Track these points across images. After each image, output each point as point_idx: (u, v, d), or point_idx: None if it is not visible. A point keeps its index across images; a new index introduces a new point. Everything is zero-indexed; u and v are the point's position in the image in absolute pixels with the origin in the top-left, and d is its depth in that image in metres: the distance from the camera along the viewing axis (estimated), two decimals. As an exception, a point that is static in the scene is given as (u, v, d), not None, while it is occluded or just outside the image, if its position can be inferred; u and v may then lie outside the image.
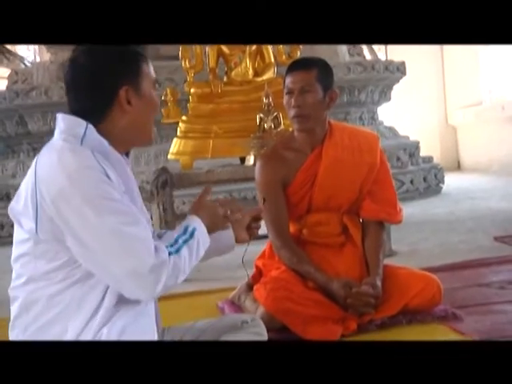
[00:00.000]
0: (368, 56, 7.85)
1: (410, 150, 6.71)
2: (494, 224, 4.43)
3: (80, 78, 1.45)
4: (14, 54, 8.98)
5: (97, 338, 1.37)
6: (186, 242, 1.44)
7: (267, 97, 3.56)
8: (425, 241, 4.06)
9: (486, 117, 9.05)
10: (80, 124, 1.43)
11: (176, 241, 1.43)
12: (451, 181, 7.34)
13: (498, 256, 3.29)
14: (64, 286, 1.39)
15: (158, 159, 6.01)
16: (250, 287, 2.52)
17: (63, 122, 1.45)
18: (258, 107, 3.68)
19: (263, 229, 2.04)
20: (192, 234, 1.47)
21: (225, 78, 4.18)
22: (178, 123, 4.03)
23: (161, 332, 1.66)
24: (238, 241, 1.73)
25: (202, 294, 3.01)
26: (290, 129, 2.54)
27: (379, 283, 2.26)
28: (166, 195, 3.41)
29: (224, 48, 4.10)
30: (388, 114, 8.99)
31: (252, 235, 1.76)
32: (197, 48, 4.05)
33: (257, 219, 1.76)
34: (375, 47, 8.22)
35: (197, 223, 1.51)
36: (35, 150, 6.43)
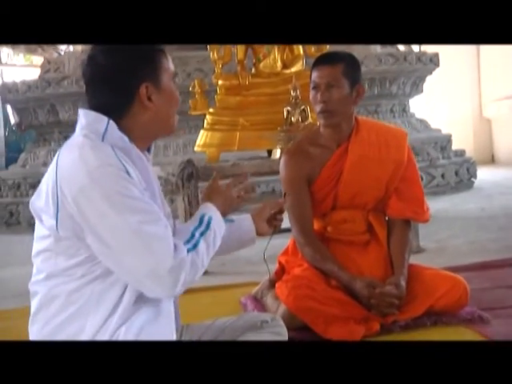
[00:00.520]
0: (401, 47, 7.72)
1: (441, 144, 6.59)
2: (527, 222, 4.34)
3: (100, 75, 1.45)
4: (48, 43, 9.08)
5: (115, 337, 1.37)
6: (202, 234, 1.44)
7: (295, 90, 3.51)
8: (454, 238, 3.99)
9: (522, 110, 8.83)
10: (101, 120, 1.42)
11: (193, 235, 1.43)
12: (484, 175, 7.19)
13: (530, 256, 3.21)
14: (84, 282, 1.39)
15: (186, 149, 6.02)
16: (272, 283, 2.49)
17: (85, 118, 1.45)
18: (285, 100, 3.64)
19: (286, 222, 2.02)
20: (208, 225, 1.46)
21: (253, 70, 4.14)
22: (205, 115, 4.02)
23: (179, 330, 1.66)
24: (259, 233, 1.73)
25: (225, 289, 3.00)
26: (318, 123, 2.50)
27: (403, 283, 2.22)
28: (192, 188, 3.40)
29: (252, 40, 4.06)
30: (420, 105, 8.84)
31: (274, 228, 1.75)
32: (225, 39, 4.01)
33: (279, 212, 1.75)
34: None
35: (212, 211, 1.51)
36: (66, 139, 6.35)
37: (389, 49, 6.93)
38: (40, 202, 1.41)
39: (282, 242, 2.48)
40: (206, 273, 1.48)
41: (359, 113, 6.28)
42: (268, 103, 3.96)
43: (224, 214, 1.56)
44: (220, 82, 4.01)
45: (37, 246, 1.45)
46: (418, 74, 6.84)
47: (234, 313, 2.56)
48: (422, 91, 7.24)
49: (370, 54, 6.42)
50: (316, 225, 2.45)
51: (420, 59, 6.67)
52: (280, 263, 2.54)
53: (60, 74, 6.55)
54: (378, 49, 6.81)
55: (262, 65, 4.07)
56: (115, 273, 1.38)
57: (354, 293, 2.22)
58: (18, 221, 6.07)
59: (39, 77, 6.74)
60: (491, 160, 9.73)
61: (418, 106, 8.31)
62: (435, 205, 5.15)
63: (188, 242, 1.40)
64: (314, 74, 2.34)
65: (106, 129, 1.41)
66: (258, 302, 2.53)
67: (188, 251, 1.37)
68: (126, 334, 1.37)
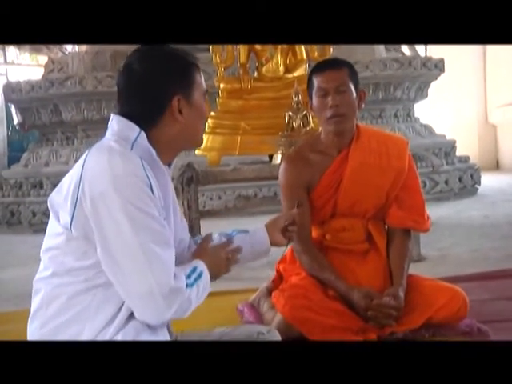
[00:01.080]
0: (407, 52, 7.70)
1: (445, 149, 6.56)
2: (532, 230, 4.30)
3: (134, 84, 1.47)
4: (53, 42, 9.09)
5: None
6: (196, 280, 1.44)
7: (296, 94, 3.49)
8: (456, 246, 3.95)
9: (528, 116, 8.79)
10: (133, 129, 1.45)
11: (189, 276, 1.43)
12: (488, 181, 7.15)
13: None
14: (86, 286, 1.40)
15: (188, 151, 5.99)
16: (269, 291, 2.46)
17: (117, 124, 1.47)
18: (288, 104, 3.62)
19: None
20: (200, 275, 1.46)
21: (255, 74, 4.12)
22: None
23: (174, 338, 1.64)
24: (274, 244, 1.75)
25: (223, 295, 2.97)
26: (320, 129, 2.47)
27: (402, 294, 2.18)
28: (191, 192, 3.39)
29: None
30: (425, 111, 8.80)
31: (289, 238, 1.78)
32: (228, 42, 4.00)
33: (293, 223, 1.77)
34: (414, 42, 8.05)
35: (203, 267, 1.49)
36: (68, 139, 6.50)
37: (394, 54, 6.91)
38: (60, 197, 1.43)
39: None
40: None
41: (363, 117, 6.25)
42: (270, 107, 3.95)
43: (213, 276, 1.53)
44: (222, 86, 3.99)
45: (48, 242, 1.47)
46: (422, 79, 6.81)
47: (231, 320, 2.54)
48: (426, 96, 7.21)
49: (375, 59, 6.40)
50: (314, 233, 2.42)
51: (425, 64, 6.64)
52: (278, 271, 2.51)
53: (64, 74, 6.56)
54: (382, 53, 6.79)
55: (264, 69, 4.05)
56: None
57: (351, 303, 2.19)
58: (19, 221, 6.06)
59: (43, 77, 6.75)
60: (496, 166, 9.69)
61: (422, 111, 8.27)
62: (438, 211, 5.13)
63: (188, 277, 1.42)
64: (320, 79, 2.29)
65: (137, 138, 1.44)
66: (255, 310, 2.49)
67: (187, 286, 1.39)
68: None
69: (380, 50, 6.82)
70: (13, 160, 8.02)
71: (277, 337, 1.71)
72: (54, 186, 1.55)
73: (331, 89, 2.26)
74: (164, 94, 1.47)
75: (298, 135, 3.48)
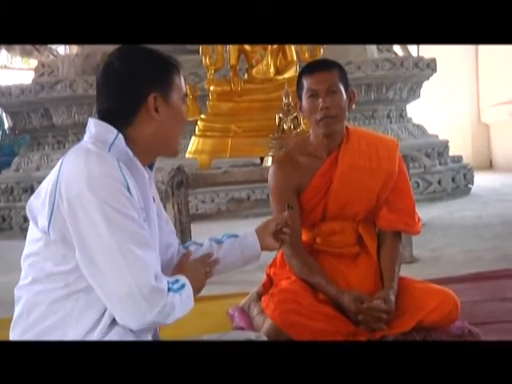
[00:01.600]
0: (399, 52, 7.69)
1: (438, 150, 6.55)
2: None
3: (111, 79, 1.48)
4: (44, 46, 9.06)
5: None
6: (179, 289, 1.41)
7: (287, 96, 3.47)
8: (449, 247, 3.94)
9: (521, 115, 8.80)
10: (111, 131, 1.44)
11: (172, 283, 1.40)
12: (482, 180, 7.15)
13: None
14: (67, 292, 1.38)
15: (179, 154, 5.97)
16: (260, 296, 2.44)
17: (94, 128, 1.46)
18: (278, 106, 3.61)
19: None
20: (183, 286, 1.43)
21: (245, 76, 4.10)
22: (197, 121, 3.97)
23: (161, 346, 1.62)
24: (265, 248, 1.73)
25: (214, 299, 2.94)
26: (310, 131, 2.44)
27: (392, 297, 2.16)
28: (181, 196, 3.36)
29: (245, 45, 4.01)
30: (418, 111, 8.80)
31: (281, 242, 1.75)
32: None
33: (285, 226, 1.74)
34: (406, 43, 8.05)
35: (186, 280, 1.46)
36: (59, 143, 6.46)
37: (386, 54, 6.91)
38: (38, 202, 1.41)
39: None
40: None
41: (356, 118, 6.24)
42: (260, 110, 3.93)
43: (194, 290, 1.50)
44: (212, 88, 3.97)
45: (27, 249, 1.46)
46: (415, 80, 6.80)
47: (222, 324, 2.52)
48: (419, 96, 7.21)
49: (367, 60, 6.39)
50: (304, 236, 2.40)
51: (417, 65, 6.64)
52: (268, 275, 2.49)
53: (54, 77, 6.52)
54: (374, 54, 6.78)
55: (254, 70, 4.03)
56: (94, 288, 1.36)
57: (341, 307, 2.16)
58: (11, 226, 6.03)
59: (33, 80, 6.71)
60: (489, 166, 9.70)
61: (415, 111, 8.27)
62: (431, 211, 5.12)
63: (172, 283, 1.40)
64: (310, 81, 2.26)
65: (114, 141, 1.43)
66: (246, 315, 2.47)
67: (169, 290, 1.36)
68: None
69: (372, 50, 6.81)
70: (4, 165, 7.95)
71: (266, 343, 1.69)
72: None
73: (321, 90, 2.23)
74: (140, 90, 1.45)
75: (288, 137, 3.46)
